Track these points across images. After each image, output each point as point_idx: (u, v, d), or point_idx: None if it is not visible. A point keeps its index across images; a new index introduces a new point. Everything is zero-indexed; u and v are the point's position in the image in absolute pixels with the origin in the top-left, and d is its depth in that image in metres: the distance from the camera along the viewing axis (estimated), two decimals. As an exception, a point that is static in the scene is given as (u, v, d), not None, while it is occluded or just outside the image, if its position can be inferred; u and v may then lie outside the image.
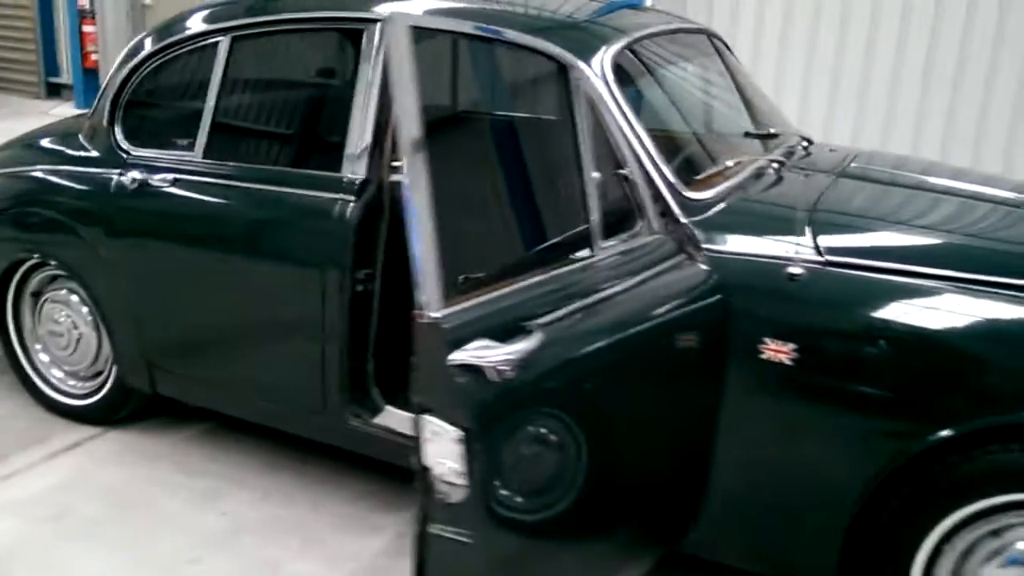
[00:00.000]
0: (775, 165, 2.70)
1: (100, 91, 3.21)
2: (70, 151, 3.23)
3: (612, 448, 2.02)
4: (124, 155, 3.05)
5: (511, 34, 2.40)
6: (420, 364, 1.62)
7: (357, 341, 2.71)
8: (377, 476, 3.05)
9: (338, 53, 2.90)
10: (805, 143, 3.05)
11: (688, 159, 2.52)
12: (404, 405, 2.77)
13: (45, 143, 3.45)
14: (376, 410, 2.77)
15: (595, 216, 2.08)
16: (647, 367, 2.06)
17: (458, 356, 1.59)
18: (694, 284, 2.19)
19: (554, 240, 2.11)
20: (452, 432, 1.56)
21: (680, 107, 2.75)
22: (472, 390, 1.60)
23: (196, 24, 2.98)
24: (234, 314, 2.88)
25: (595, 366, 1.90)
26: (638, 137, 2.29)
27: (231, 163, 2.87)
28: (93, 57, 10.23)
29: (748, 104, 3.12)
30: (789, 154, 2.85)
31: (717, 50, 3.17)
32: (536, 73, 2.43)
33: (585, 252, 2.06)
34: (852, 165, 2.85)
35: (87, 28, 10.07)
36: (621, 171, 2.23)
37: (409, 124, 1.61)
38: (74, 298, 3.29)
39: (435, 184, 1.62)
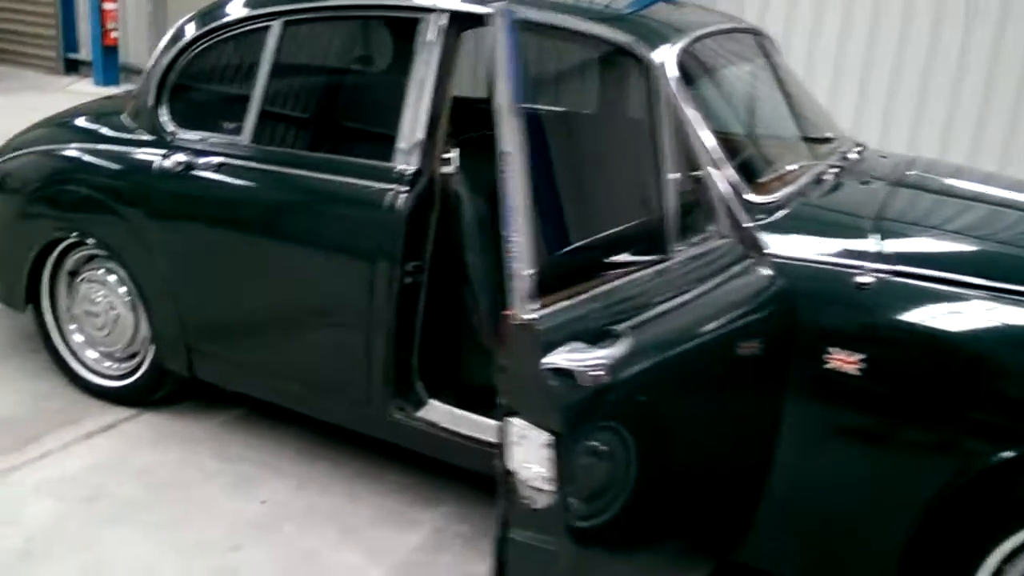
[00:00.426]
0: (834, 171, 2.66)
1: (145, 72, 3.16)
2: (112, 131, 3.19)
3: (682, 455, 1.99)
4: (169, 137, 3.02)
5: (591, 27, 2.37)
6: (510, 366, 1.59)
7: (403, 334, 2.68)
8: (414, 469, 3.03)
9: (392, 42, 2.87)
10: (858, 148, 3.02)
11: (748, 162, 2.49)
12: (447, 399, 2.75)
13: (82, 122, 3.42)
14: (420, 404, 2.75)
15: (671, 217, 2.05)
16: (715, 373, 2.03)
17: (551, 359, 1.56)
18: (759, 290, 2.16)
19: (630, 240, 2.08)
20: (541, 436, 1.53)
21: (736, 108, 2.72)
22: (564, 394, 1.58)
23: (246, 7, 2.94)
24: (278, 301, 2.86)
25: (675, 372, 1.87)
26: (706, 138, 2.26)
27: (279, 149, 2.84)
28: (113, 35, 10.19)
29: (799, 107, 3.09)
30: (845, 159, 2.82)
31: (767, 50, 3.14)
32: (608, 67, 2.40)
33: (659, 254, 2.03)
34: (911, 174, 2.82)
35: (107, 5, 10.03)
36: (695, 172, 2.20)
37: (510, 123, 1.58)
38: (111, 278, 3.26)
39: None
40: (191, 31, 3.04)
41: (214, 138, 2.95)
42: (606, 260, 1.94)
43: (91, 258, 3.32)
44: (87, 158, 3.16)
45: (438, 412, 2.72)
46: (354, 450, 3.14)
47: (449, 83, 2.65)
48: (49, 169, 3.27)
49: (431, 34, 2.62)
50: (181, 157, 2.95)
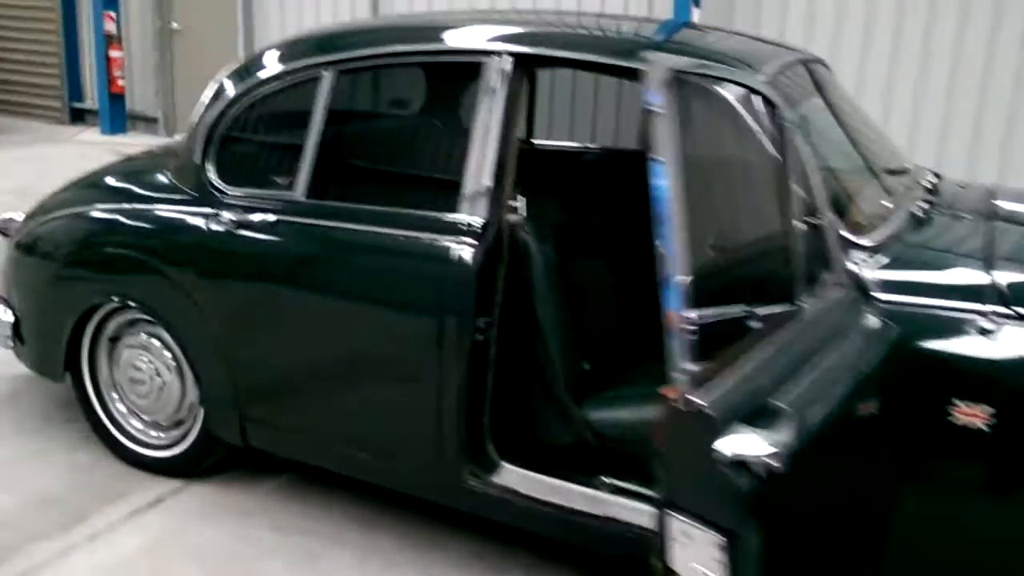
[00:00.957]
0: (924, 206, 2.52)
1: (190, 128, 3.03)
2: (153, 190, 3.05)
3: (819, 531, 1.83)
4: (218, 195, 2.88)
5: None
6: (674, 455, 1.44)
7: (475, 394, 2.53)
8: (479, 537, 2.87)
9: (452, 88, 2.73)
10: (934, 178, 2.89)
11: (842, 200, 2.35)
12: (518, 460, 2.59)
13: (117, 182, 3.28)
14: (493, 467, 2.59)
15: (798, 264, 1.91)
16: (841, 439, 1.88)
17: (723, 446, 1.41)
18: (874, 342, 2.01)
19: (761, 289, 1.93)
20: (712, 536, 1.38)
21: (820, 144, 2.58)
22: (738, 486, 1.42)
23: (294, 58, 2.81)
24: (339, 364, 2.71)
25: (819, 447, 1.71)
26: (817, 179, 2.12)
27: (336, 203, 2.70)
28: (120, 82, 10.11)
29: (868, 137, 2.95)
30: (930, 192, 2.68)
31: (826, 79, 3.01)
32: (705, 106, 2.26)
33: (786, 304, 1.88)
34: (1000, 205, 2.68)
35: (113, 53, 9.96)
36: (812, 219, 2.06)
37: (677, 179, 1.44)
38: (155, 343, 3.11)
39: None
40: (234, 86, 2.90)
41: (266, 194, 2.81)
42: (745, 313, 1.78)
43: (133, 323, 3.17)
44: (128, 220, 3.02)
45: (513, 476, 2.57)
46: (415, 517, 2.97)
47: (515, 128, 2.52)
48: (85, 232, 3.13)
49: (495, 78, 2.49)
50: (232, 215, 2.81)
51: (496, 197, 2.50)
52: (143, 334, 3.15)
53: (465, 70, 2.58)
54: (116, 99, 10.13)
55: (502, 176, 2.50)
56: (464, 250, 2.47)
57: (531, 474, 2.55)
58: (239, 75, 2.94)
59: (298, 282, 2.73)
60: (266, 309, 2.78)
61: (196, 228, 2.87)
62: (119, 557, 2.77)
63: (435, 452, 2.59)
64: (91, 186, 3.35)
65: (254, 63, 2.93)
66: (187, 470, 3.18)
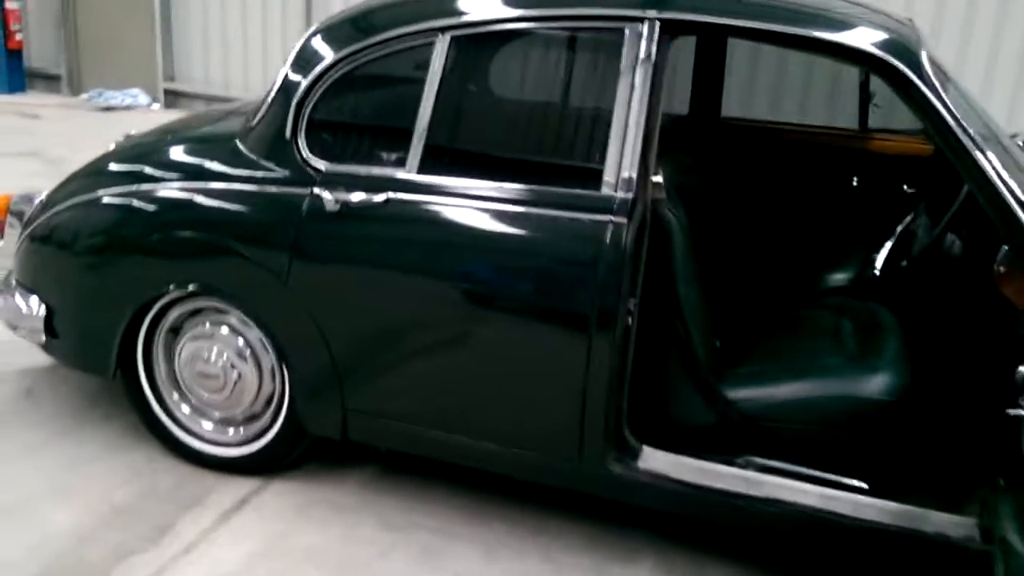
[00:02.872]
0: None
1: (269, 97, 2.76)
2: (230, 167, 2.77)
3: None
4: (313, 172, 2.64)
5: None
6: None
7: (620, 379, 2.43)
8: (592, 520, 2.81)
9: (589, 55, 2.58)
10: None
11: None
12: (653, 443, 2.52)
13: (178, 158, 2.97)
14: (635, 453, 2.51)
15: None
16: None
17: None
18: None
19: None
20: None
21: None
22: None
23: (404, 21, 2.59)
24: (468, 352, 2.55)
25: None
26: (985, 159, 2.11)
27: (456, 180, 2.52)
28: (17, 37, 9.35)
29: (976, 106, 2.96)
30: None
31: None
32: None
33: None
34: None
35: (10, 5, 9.18)
36: None
37: None
38: (223, 331, 2.87)
39: None
40: (328, 52, 2.65)
41: (370, 171, 2.60)
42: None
43: (196, 312, 2.91)
44: (204, 199, 2.74)
45: (659, 460, 2.49)
46: (518, 503, 2.87)
47: (661, 98, 2.39)
48: (149, 214, 2.82)
49: (642, 44, 2.36)
50: (334, 194, 2.58)
51: (643, 172, 2.38)
52: (208, 324, 2.90)
53: (604, 36, 2.43)
54: (13, 55, 9.37)
55: (647, 151, 2.38)
56: (617, 228, 2.35)
57: (679, 457, 2.48)
58: (333, 39, 2.69)
59: (416, 265, 2.55)
60: (379, 294, 2.59)
61: (291, 208, 2.63)
62: (230, 568, 2.56)
63: (577, 440, 2.49)
64: (138, 160, 3.01)
65: (351, 25, 2.69)
66: (266, 467, 2.97)
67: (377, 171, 2.59)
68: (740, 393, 2.54)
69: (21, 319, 3.11)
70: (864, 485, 2.41)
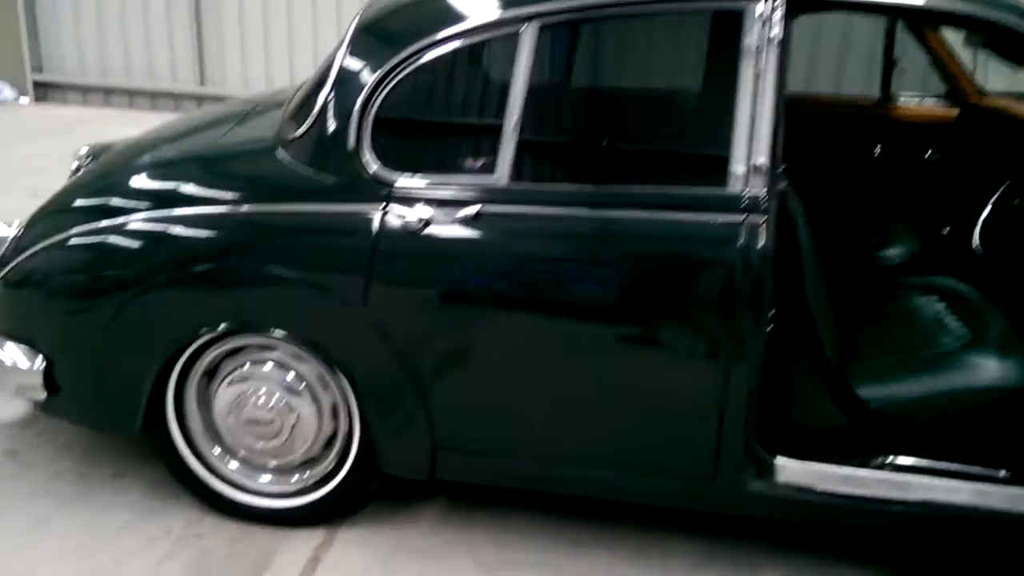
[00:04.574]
0: None
1: (320, 100, 2.39)
2: (281, 182, 2.40)
3: None
4: (386, 184, 2.31)
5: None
6: None
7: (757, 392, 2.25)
8: (701, 534, 2.64)
9: (699, 36, 2.34)
10: None
11: None
12: (788, 452, 2.36)
13: (213, 176, 2.56)
14: (768, 466, 2.34)
15: None
16: None
17: None
18: None
19: None
20: None
21: None
22: None
23: (482, 10, 2.27)
24: (580, 378, 2.30)
25: None
26: None
27: (558, 187, 2.26)
28: None
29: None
30: None
31: None
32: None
33: None
34: None
35: None
36: None
37: None
38: (267, 368, 2.51)
39: None
40: (391, 49, 2.30)
41: (452, 180, 2.29)
42: None
43: (236, 352, 2.54)
44: (247, 224, 2.37)
45: (796, 472, 2.33)
46: (612, 525, 2.67)
47: (786, 84, 2.20)
48: (178, 245, 2.41)
49: (768, 24, 2.15)
50: (416, 210, 2.27)
51: (773, 164, 2.19)
52: (247, 365, 2.53)
53: (721, 16, 2.21)
54: None
55: (776, 139, 2.19)
56: (752, 229, 2.15)
57: (817, 465, 2.33)
58: (394, 35, 2.34)
59: (517, 284, 2.28)
60: (475, 318, 2.31)
61: (363, 227, 2.30)
62: (341, 644, 2.24)
63: (711, 462, 2.30)
64: (156, 179, 2.59)
65: (417, 16, 2.35)
66: (329, 516, 2.64)
67: (460, 180, 2.29)
68: (869, 391, 2.40)
69: (5, 374, 2.64)
70: (1007, 474, 2.32)
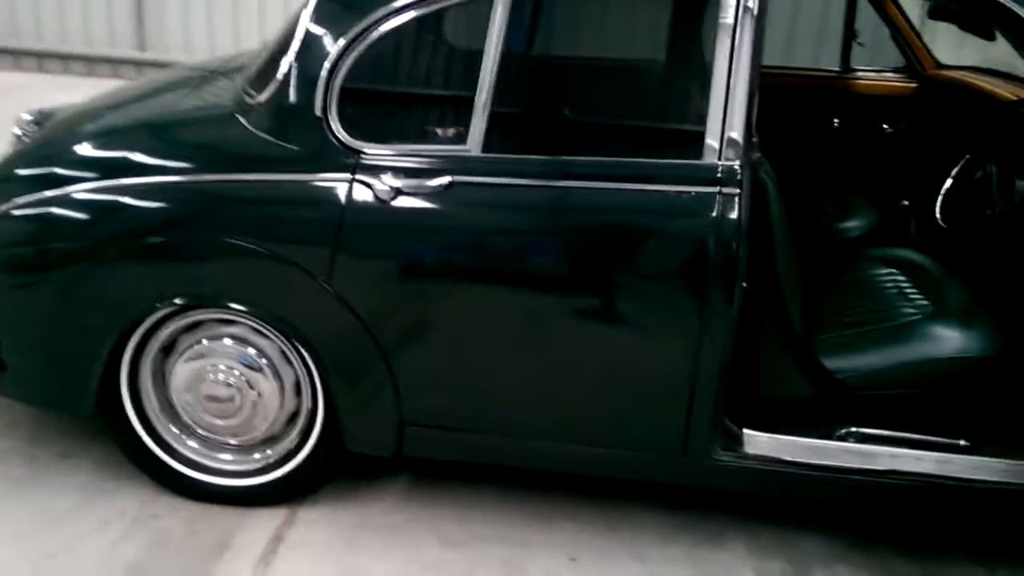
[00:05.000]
0: None
1: (284, 66, 2.30)
2: (240, 152, 2.31)
3: None
4: (354, 153, 2.24)
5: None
6: None
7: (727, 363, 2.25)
8: (668, 506, 2.64)
9: (676, 5, 2.30)
10: None
11: None
12: (755, 425, 2.37)
13: (162, 144, 2.45)
14: (738, 438, 2.34)
15: None
16: None
17: None
18: None
19: None
20: None
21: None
22: None
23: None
24: (552, 351, 2.27)
25: None
26: None
27: (533, 157, 2.21)
28: None
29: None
30: None
31: None
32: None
33: None
34: None
35: None
36: None
37: None
38: (227, 343, 2.43)
39: None
40: (360, 12, 2.22)
41: (422, 150, 2.23)
42: None
43: (193, 327, 2.45)
44: (207, 192, 2.28)
45: (765, 443, 2.34)
46: (580, 499, 2.65)
47: (762, 55, 2.18)
48: (131, 214, 2.31)
49: None
50: (385, 180, 2.20)
51: (747, 135, 2.17)
52: (205, 340, 2.45)
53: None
54: None
55: (751, 111, 2.17)
56: (726, 200, 2.13)
57: (783, 438, 2.34)
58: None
59: (490, 256, 2.23)
60: (446, 291, 2.26)
61: (330, 197, 2.23)
62: (309, 626, 2.20)
63: (682, 433, 2.29)
64: (109, 147, 2.48)
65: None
66: (291, 494, 2.58)
67: (431, 150, 2.23)
68: (835, 363, 2.41)
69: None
70: (967, 443, 2.35)
